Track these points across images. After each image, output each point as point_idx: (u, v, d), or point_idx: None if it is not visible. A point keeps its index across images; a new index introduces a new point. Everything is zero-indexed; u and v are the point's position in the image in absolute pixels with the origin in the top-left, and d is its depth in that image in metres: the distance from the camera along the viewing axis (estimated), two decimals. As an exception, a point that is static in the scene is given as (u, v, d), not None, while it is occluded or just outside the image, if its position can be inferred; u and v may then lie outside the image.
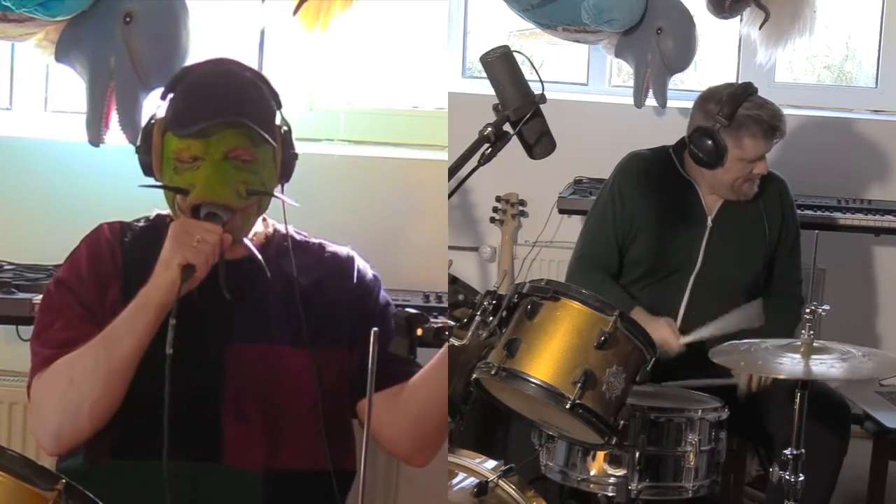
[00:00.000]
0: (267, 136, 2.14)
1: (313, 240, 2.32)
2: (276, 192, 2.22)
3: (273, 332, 2.16)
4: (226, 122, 2.10)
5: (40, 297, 2.41)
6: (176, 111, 2.15)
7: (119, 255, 2.17)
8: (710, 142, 2.99)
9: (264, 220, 2.27)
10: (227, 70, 2.21)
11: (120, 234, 2.20)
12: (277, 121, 2.22)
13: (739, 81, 3.39)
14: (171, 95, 2.18)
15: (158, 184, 2.16)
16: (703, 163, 3.03)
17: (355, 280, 2.27)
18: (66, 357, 2.06)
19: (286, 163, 2.22)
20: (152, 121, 2.18)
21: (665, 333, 2.89)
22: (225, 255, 2.08)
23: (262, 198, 2.18)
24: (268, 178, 2.17)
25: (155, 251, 2.07)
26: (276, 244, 2.25)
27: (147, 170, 2.18)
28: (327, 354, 2.18)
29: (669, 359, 2.83)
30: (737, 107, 2.98)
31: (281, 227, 2.27)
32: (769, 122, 2.99)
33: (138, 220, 2.25)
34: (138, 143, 2.20)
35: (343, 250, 2.31)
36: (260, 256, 2.17)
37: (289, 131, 2.24)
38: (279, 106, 2.23)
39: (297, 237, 2.29)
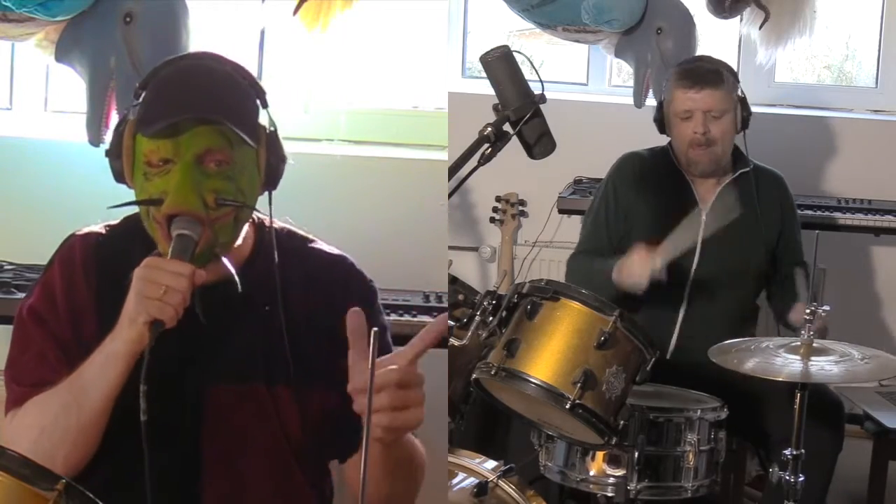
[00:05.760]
0: (245, 136, 1.90)
1: (309, 243, 2.09)
2: (261, 201, 1.99)
3: (255, 369, 1.97)
4: (197, 119, 1.86)
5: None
6: (144, 109, 1.91)
7: (93, 277, 1.98)
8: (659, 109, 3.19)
9: (253, 222, 2.03)
10: (201, 64, 1.97)
11: (94, 250, 2.01)
12: (263, 121, 1.97)
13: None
14: (143, 94, 1.94)
15: (130, 200, 1.94)
16: (658, 128, 3.19)
17: (355, 297, 1.96)
18: (36, 401, 1.90)
19: (271, 168, 1.96)
20: (124, 122, 1.94)
21: (634, 263, 2.86)
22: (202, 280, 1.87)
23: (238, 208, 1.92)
24: (247, 185, 1.93)
25: (131, 264, 1.86)
26: (264, 256, 2.01)
27: (118, 176, 1.95)
28: (314, 394, 1.99)
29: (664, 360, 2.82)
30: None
31: (275, 225, 2.04)
32: (687, 65, 3.10)
33: (115, 224, 2.05)
34: (108, 147, 1.97)
35: (340, 258, 2.09)
36: (238, 280, 1.92)
37: (275, 133, 1.98)
38: (264, 104, 1.99)
39: (289, 243, 2.06)
